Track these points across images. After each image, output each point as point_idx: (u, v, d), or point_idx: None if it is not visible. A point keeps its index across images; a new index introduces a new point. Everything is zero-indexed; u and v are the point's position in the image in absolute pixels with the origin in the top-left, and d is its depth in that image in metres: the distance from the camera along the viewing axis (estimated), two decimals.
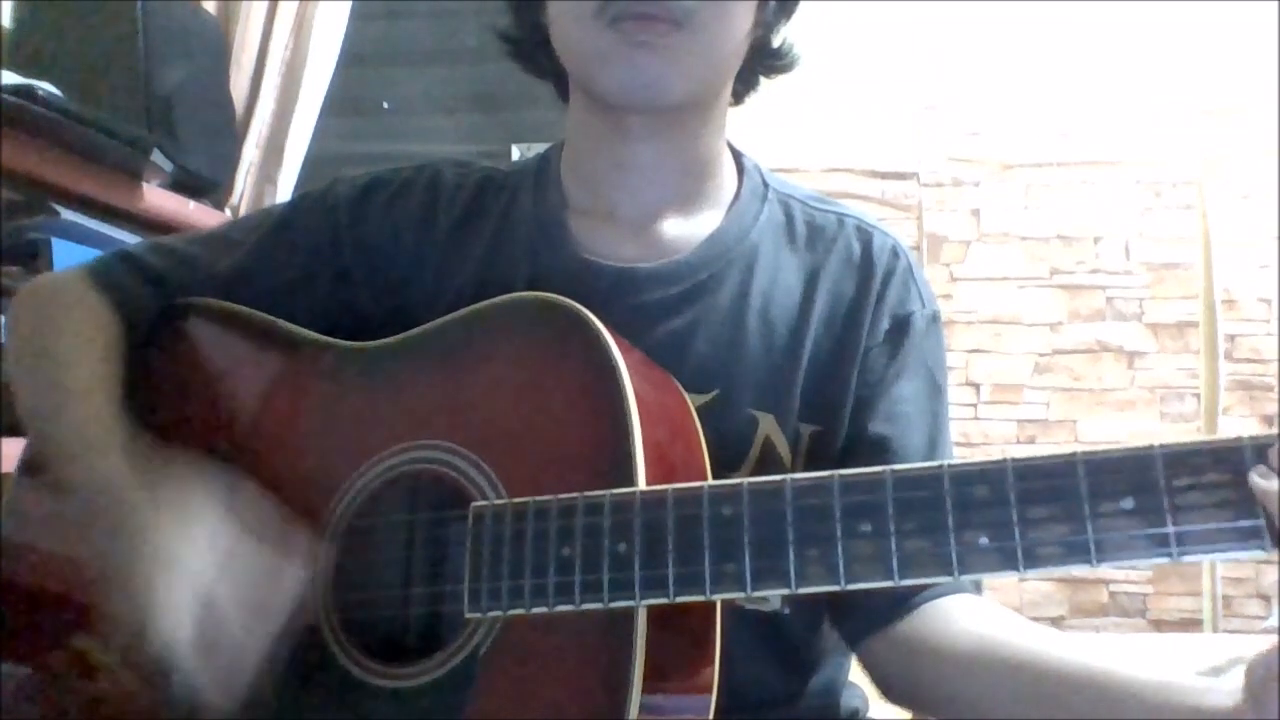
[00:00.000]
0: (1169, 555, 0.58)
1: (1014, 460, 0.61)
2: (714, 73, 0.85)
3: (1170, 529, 0.58)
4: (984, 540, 0.61)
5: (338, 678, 0.75)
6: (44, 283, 1.03)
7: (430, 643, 0.74)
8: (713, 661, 0.70)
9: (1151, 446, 0.59)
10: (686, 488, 0.67)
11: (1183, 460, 0.58)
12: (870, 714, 0.97)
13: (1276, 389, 3.16)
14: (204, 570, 0.72)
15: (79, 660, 0.84)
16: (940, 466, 0.62)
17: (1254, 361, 3.20)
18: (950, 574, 0.61)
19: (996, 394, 3.27)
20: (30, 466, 0.91)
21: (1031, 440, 3.25)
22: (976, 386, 3.25)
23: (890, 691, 0.88)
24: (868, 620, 0.85)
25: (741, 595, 0.64)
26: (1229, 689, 0.65)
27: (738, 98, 0.94)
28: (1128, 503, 0.59)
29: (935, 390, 0.90)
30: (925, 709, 0.86)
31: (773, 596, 0.84)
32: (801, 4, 0.92)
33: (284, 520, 0.77)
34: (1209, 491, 0.58)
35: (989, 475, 0.61)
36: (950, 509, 0.61)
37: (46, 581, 0.88)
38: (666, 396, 0.78)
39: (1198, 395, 3.22)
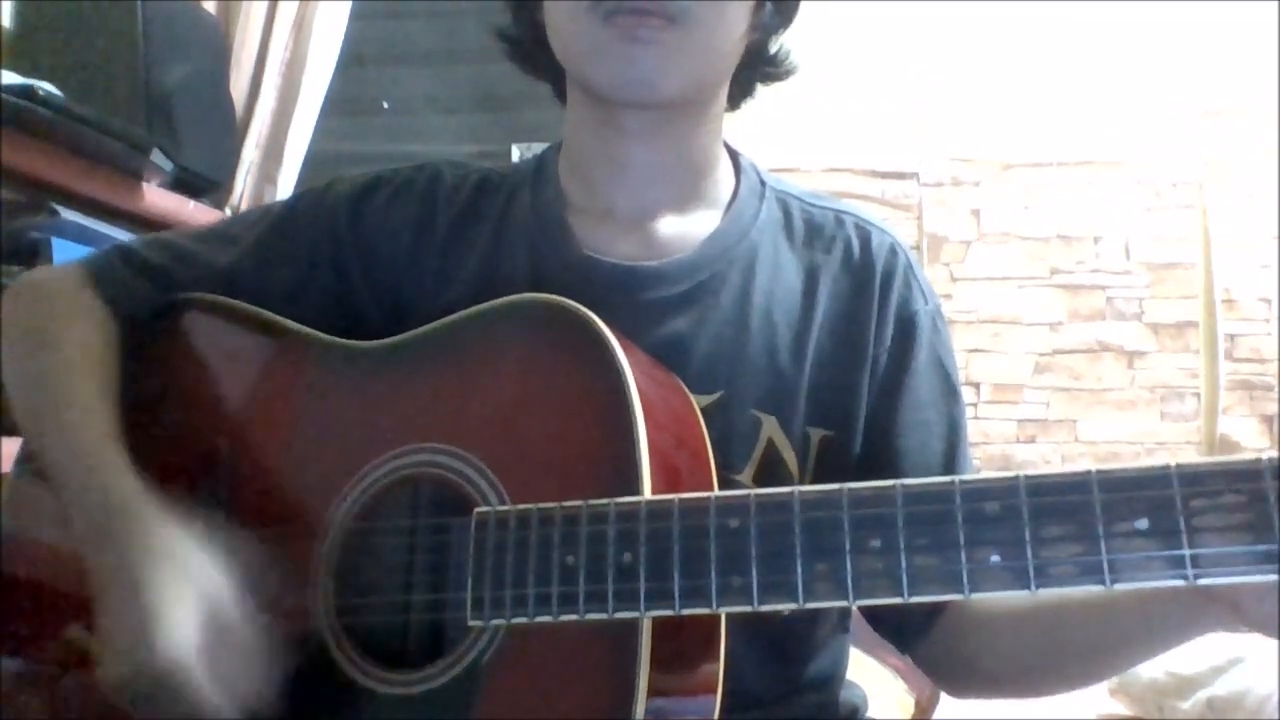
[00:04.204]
0: (1184, 577, 0.57)
1: (1027, 476, 0.60)
2: (708, 71, 0.85)
3: (1186, 551, 0.57)
4: (995, 558, 0.60)
5: (340, 683, 0.75)
6: (40, 278, 1.02)
7: (433, 649, 0.74)
8: (718, 661, 0.70)
9: (1167, 465, 0.58)
10: (693, 498, 0.66)
11: (1200, 480, 0.57)
12: (870, 713, 0.97)
13: (1276, 389, 3.16)
14: (210, 579, 0.71)
15: (77, 654, 0.84)
16: (951, 482, 0.62)
17: (1254, 361, 3.19)
18: (960, 592, 0.60)
19: (996, 394, 3.26)
20: (28, 461, 0.91)
21: (1031, 440, 3.25)
22: (976, 386, 3.24)
23: (950, 682, 0.90)
24: (916, 622, 0.87)
25: (749, 609, 0.64)
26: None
27: (734, 103, 0.94)
28: (1142, 523, 0.57)
29: (950, 390, 0.90)
30: (986, 688, 0.89)
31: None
32: (803, 5, 0.92)
33: (282, 548, 0.77)
34: (1226, 513, 0.56)
35: (1001, 491, 0.60)
36: (961, 525, 0.60)
37: (45, 576, 0.88)
38: (672, 399, 0.78)
39: (1198, 395, 3.22)
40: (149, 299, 0.93)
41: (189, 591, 0.70)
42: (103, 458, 0.80)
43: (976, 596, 0.82)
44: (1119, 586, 0.58)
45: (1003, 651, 0.84)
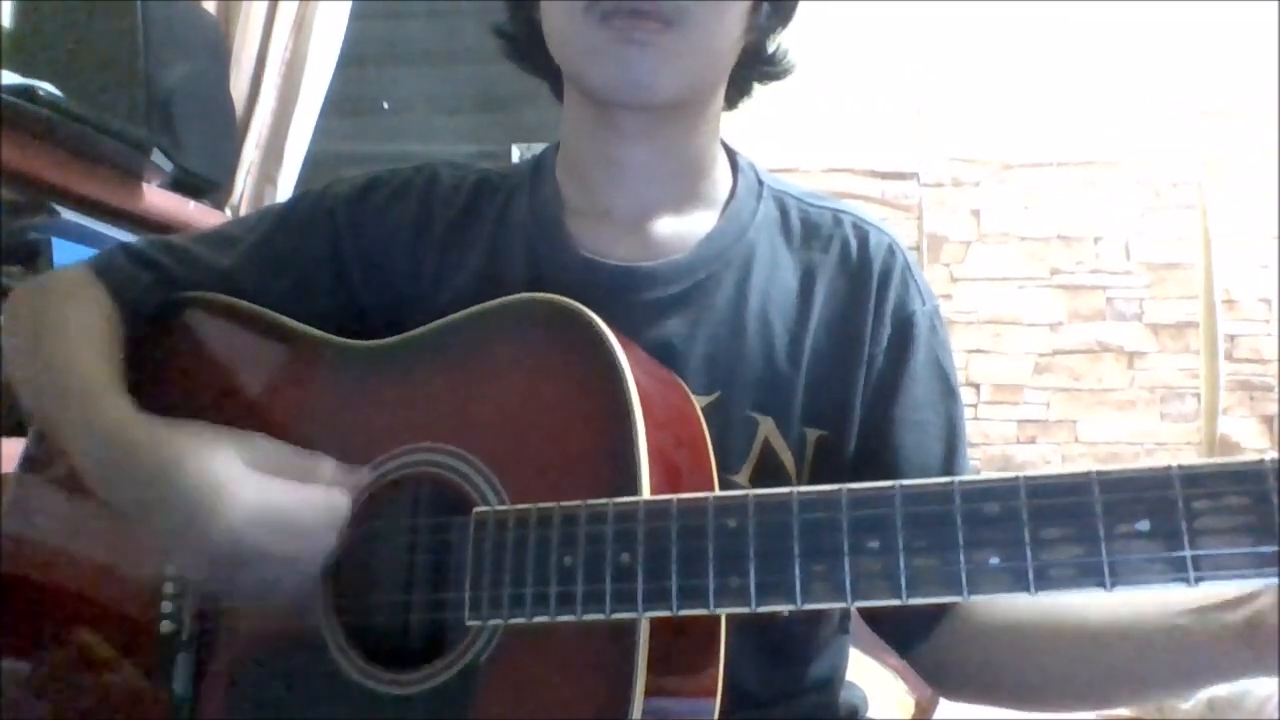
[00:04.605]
0: (1185, 580, 0.56)
1: (1027, 477, 0.59)
2: (705, 72, 0.85)
3: (1187, 553, 0.56)
4: (994, 560, 0.59)
5: (338, 682, 0.75)
6: (43, 278, 1.03)
7: (432, 648, 0.74)
8: (717, 663, 0.70)
9: (1169, 467, 0.57)
10: (691, 498, 0.66)
11: (1201, 481, 0.56)
12: (870, 713, 0.97)
13: (1276, 389, 3.16)
14: (253, 480, 0.73)
15: (78, 654, 0.84)
16: (951, 483, 0.61)
17: (1254, 361, 3.19)
18: (959, 594, 0.60)
19: (996, 394, 3.27)
20: (30, 461, 0.91)
21: (1032, 440, 3.25)
22: (976, 386, 3.25)
23: (946, 687, 0.90)
24: (917, 625, 0.86)
25: (746, 610, 0.63)
26: (1231, 621, 0.68)
27: (731, 103, 0.94)
28: (1143, 524, 0.57)
29: (948, 391, 0.90)
30: (981, 695, 0.88)
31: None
32: (802, 4, 0.92)
33: (309, 461, 0.78)
34: (1228, 515, 0.56)
35: (1001, 492, 0.60)
36: (960, 526, 0.60)
37: (49, 577, 0.88)
38: (672, 398, 0.78)
39: (1198, 395, 3.22)
40: (151, 295, 0.94)
41: (232, 465, 0.73)
42: (109, 401, 0.81)
43: (978, 602, 0.83)
44: (1119, 588, 0.57)
45: (1003, 662, 0.84)
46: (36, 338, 0.89)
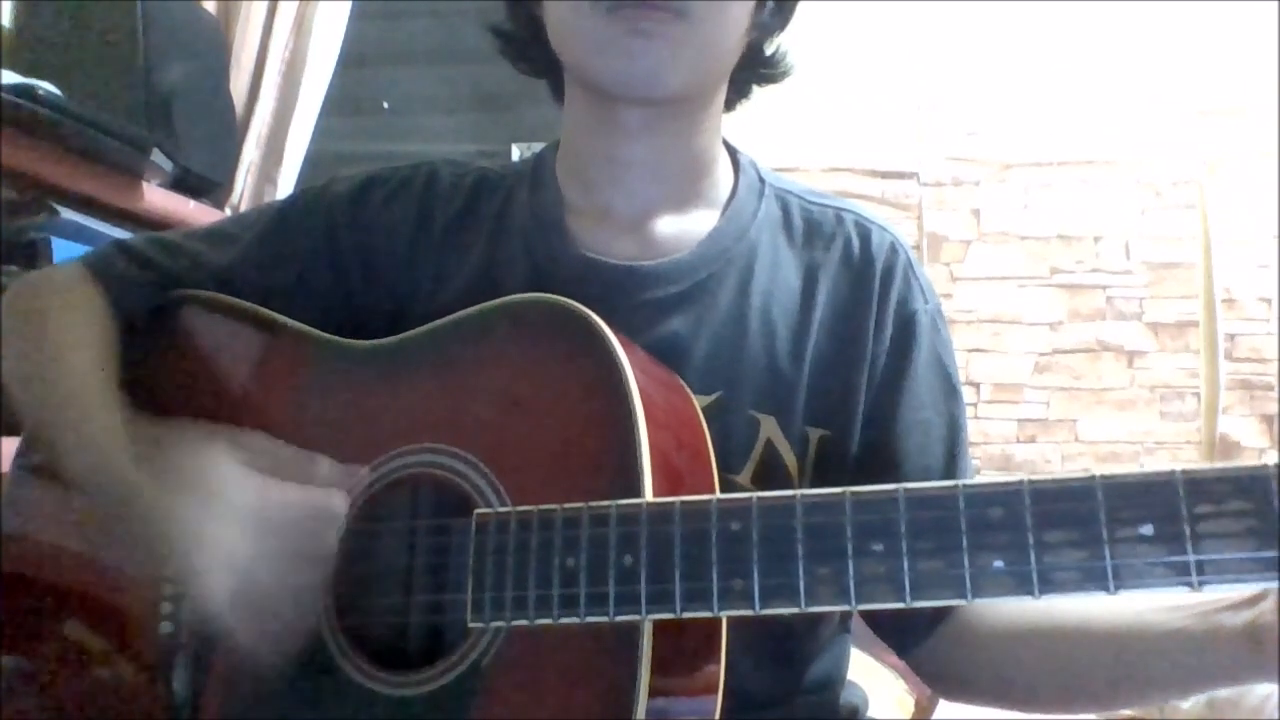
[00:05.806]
0: (1189, 584, 0.56)
1: (1030, 482, 0.59)
2: (710, 67, 0.85)
3: (1190, 557, 0.56)
4: (998, 563, 0.59)
5: (340, 683, 0.75)
6: (38, 275, 1.03)
7: (433, 650, 0.74)
8: (719, 661, 0.69)
9: (1173, 471, 0.57)
10: (694, 501, 0.66)
11: (1205, 486, 0.56)
12: (870, 713, 0.97)
13: (1276, 389, 3.15)
14: (232, 536, 0.72)
15: (77, 653, 0.84)
16: (955, 486, 0.61)
17: (1254, 361, 3.19)
18: (963, 597, 0.60)
19: (996, 393, 3.26)
20: (26, 459, 0.91)
21: (1032, 440, 3.25)
22: (976, 386, 3.24)
23: (945, 688, 0.90)
24: (917, 629, 0.86)
25: (750, 612, 0.63)
26: (1233, 624, 0.68)
27: (730, 105, 0.94)
28: (1147, 529, 0.57)
29: (950, 390, 0.89)
30: (982, 698, 0.88)
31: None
32: (802, 5, 0.92)
33: (306, 461, 0.78)
34: (1232, 520, 0.56)
35: (1004, 497, 0.60)
36: (964, 530, 0.60)
37: (46, 573, 0.88)
38: (673, 399, 0.78)
39: (1198, 395, 3.22)
40: (147, 293, 0.93)
41: (228, 466, 0.73)
42: (99, 406, 0.81)
43: (980, 607, 0.83)
44: (1123, 592, 0.57)
45: (1004, 664, 0.84)
46: (29, 337, 0.88)
